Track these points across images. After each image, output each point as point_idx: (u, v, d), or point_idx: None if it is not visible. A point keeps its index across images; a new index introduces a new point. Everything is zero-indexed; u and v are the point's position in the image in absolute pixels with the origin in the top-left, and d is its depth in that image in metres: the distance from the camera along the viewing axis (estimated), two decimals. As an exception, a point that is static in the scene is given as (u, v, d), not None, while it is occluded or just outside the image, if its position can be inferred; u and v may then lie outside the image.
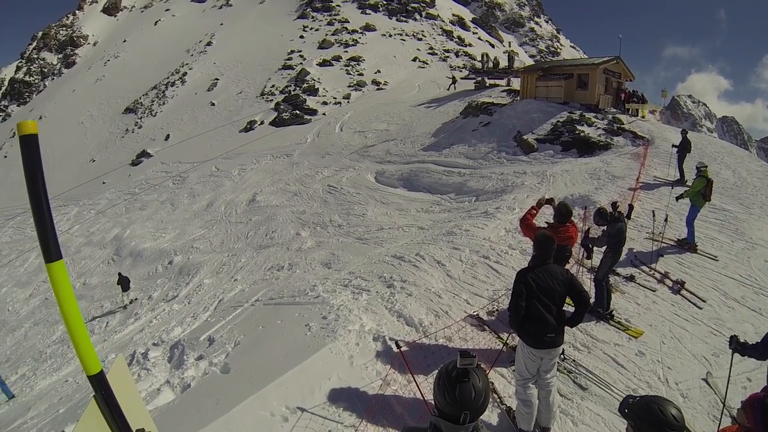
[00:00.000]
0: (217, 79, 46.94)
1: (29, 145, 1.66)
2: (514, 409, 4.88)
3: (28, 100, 73.63)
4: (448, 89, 30.50)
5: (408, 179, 18.60)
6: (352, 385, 5.65)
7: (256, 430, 5.08)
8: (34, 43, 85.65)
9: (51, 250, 1.62)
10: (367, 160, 21.34)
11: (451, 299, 7.76)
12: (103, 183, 36.27)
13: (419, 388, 4.93)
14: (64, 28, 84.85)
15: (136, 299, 17.33)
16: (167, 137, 39.47)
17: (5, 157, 56.19)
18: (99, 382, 1.74)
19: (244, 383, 6.00)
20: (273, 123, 34.23)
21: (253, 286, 11.99)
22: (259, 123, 35.19)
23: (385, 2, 62.11)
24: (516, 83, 28.03)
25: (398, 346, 5.24)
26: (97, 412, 1.82)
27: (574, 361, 5.88)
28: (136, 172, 35.72)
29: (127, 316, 16.03)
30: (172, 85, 49.98)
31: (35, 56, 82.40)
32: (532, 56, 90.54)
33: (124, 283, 17.50)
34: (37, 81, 77.86)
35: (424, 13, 62.77)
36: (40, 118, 59.41)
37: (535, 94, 23.07)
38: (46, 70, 79.74)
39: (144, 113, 47.29)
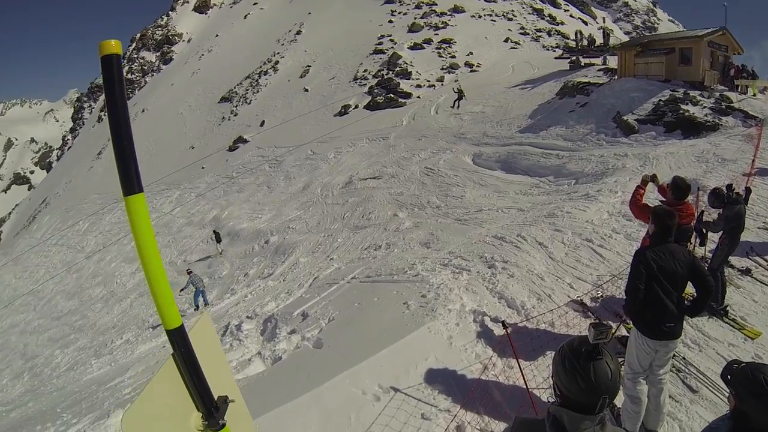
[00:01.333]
0: (309, 66, 47.66)
1: (110, 68, 1.44)
2: (618, 406, 4.37)
3: (131, 95, 78.83)
4: (453, 106, 27.98)
5: (506, 161, 18.03)
6: (449, 367, 5.37)
7: (346, 407, 5.00)
8: (133, 44, 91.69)
9: (132, 182, 1.45)
10: (464, 143, 20.86)
11: (554, 282, 7.29)
12: (202, 168, 38.01)
13: (523, 375, 4.57)
14: (159, 29, 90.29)
15: (224, 251, 21.78)
16: (262, 123, 40.61)
17: None
18: (178, 338, 1.58)
19: (337, 359, 5.96)
20: (367, 107, 34.26)
21: (350, 264, 11.99)
22: (353, 107, 35.36)
23: (473, -17, 60.58)
24: (612, 61, 26.26)
25: (505, 327, 4.89)
26: (174, 371, 1.66)
27: (683, 358, 5.21)
28: (234, 157, 37.21)
29: (224, 291, 16.72)
30: (264, 74, 51.32)
31: (135, 56, 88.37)
32: (627, 33, 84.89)
33: (217, 236, 22.30)
34: (138, 78, 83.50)
35: (513, -8, 60.56)
36: (143, 111, 64.02)
37: (634, 72, 21.44)
38: (146, 67, 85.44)
39: (239, 101, 48.98)
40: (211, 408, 1.70)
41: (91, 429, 6.70)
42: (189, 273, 16.62)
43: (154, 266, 1.52)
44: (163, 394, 1.63)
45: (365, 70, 41.57)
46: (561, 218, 9.86)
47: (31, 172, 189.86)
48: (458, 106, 27.15)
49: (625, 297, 4.08)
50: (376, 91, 36.05)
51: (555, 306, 6.39)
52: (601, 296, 6.59)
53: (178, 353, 1.62)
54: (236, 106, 48.36)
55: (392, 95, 34.12)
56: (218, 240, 22.68)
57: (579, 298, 6.54)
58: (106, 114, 1.49)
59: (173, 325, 1.56)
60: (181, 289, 16.28)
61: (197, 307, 15.82)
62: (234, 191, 29.84)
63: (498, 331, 6.00)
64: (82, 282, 30.13)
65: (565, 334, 5.72)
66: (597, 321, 3.57)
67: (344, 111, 35.22)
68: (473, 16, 51.61)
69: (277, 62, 52.35)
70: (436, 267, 8.49)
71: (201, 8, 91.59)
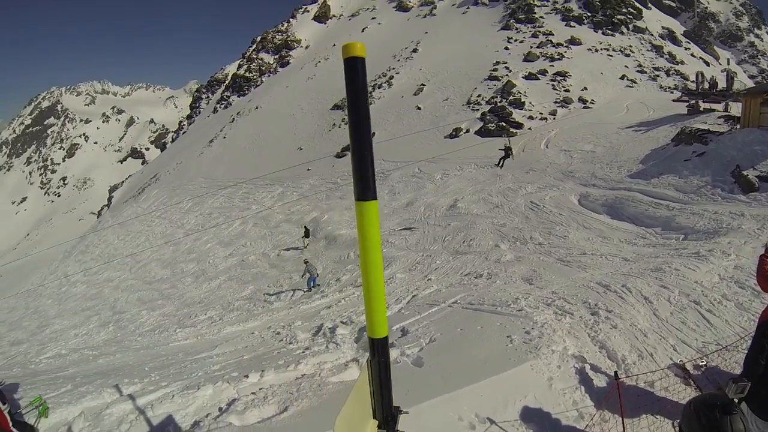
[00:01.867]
0: (423, 85, 48.10)
1: (354, 70, 1.51)
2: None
3: (247, 92, 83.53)
4: (498, 164, 26.35)
5: (612, 206, 17.35)
6: (545, 409, 5.43)
7: (442, 430, 5.12)
8: (254, 46, 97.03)
9: (368, 188, 1.58)
10: (571, 181, 20.42)
11: (657, 341, 7.03)
12: (308, 170, 39.41)
13: (624, 428, 4.55)
14: (279, 33, 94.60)
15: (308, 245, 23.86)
16: (373, 134, 40.79)
17: (224, 137, 64.09)
18: (381, 347, 1.73)
19: (437, 381, 6.06)
20: (478, 132, 34.27)
21: (450, 288, 11.98)
22: (464, 131, 35.40)
23: (589, 14, 58.88)
24: (735, 108, 24.38)
25: (617, 378, 4.87)
26: (365, 378, 1.85)
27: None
28: (340, 164, 38.19)
29: (314, 292, 17.14)
30: (379, 87, 52.28)
31: (254, 56, 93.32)
32: (752, 77, 78.53)
33: (306, 232, 24.39)
34: (255, 77, 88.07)
35: (631, 26, 58.12)
36: (257, 108, 67.23)
37: (759, 122, 19.37)
38: (263, 68, 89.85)
39: None
40: (389, 417, 1.89)
41: (180, 396, 6.86)
42: (306, 263, 18.34)
43: (375, 274, 1.61)
44: (358, 399, 1.82)
45: (479, 95, 41.44)
46: (668, 275, 9.38)
47: (146, 149, 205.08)
48: (502, 165, 25.85)
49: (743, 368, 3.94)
50: (488, 117, 35.93)
51: (656, 367, 6.25)
52: (705, 365, 6.31)
53: (375, 362, 1.77)
54: (348, 115, 49.31)
55: (504, 123, 33.91)
56: (306, 235, 24.45)
57: (682, 363, 6.32)
58: (347, 117, 1.59)
59: (380, 334, 1.70)
60: (302, 275, 18.44)
61: (309, 289, 17.86)
62: (336, 197, 30.64)
63: (597, 381, 5.98)
64: (177, 255, 32.14)
65: (663, 397, 5.62)
66: (736, 375, 3.46)
67: (455, 134, 35.31)
68: (590, 50, 50.16)
69: (392, 77, 53.24)
70: (539, 305, 8.48)
71: (321, 18, 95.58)
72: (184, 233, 37.20)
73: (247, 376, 7.34)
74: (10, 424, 5.08)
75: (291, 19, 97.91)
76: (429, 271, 14.60)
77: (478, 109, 38.70)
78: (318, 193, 32.89)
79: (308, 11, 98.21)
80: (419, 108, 43.70)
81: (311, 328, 10.83)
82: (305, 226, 25.03)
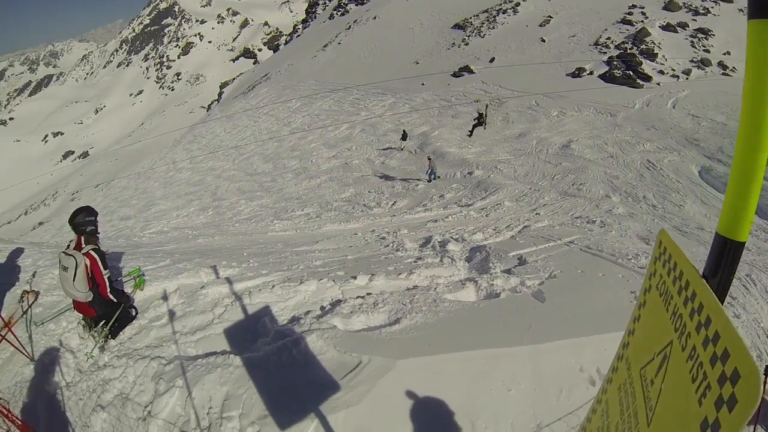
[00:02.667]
0: (551, 17, 45.30)
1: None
2: None
3: (365, 1, 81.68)
4: (469, 133, 24.83)
5: (735, 188, 16.24)
6: None
7: (559, 378, 4.86)
8: None
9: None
10: (695, 150, 19.17)
11: None
12: (422, 84, 38.96)
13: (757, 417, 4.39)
14: None
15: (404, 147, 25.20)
16: (492, 59, 39.92)
17: (339, 43, 64.26)
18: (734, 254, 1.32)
19: (560, 322, 5.74)
20: (602, 77, 32.49)
21: (563, 227, 11.64)
22: (587, 72, 33.64)
23: (745, -34, 52.51)
24: None
25: (766, 373, 4.39)
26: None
27: None
28: (456, 84, 37.31)
29: (415, 203, 17.21)
30: (503, 12, 49.64)
31: None
32: None
33: (404, 135, 25.50)
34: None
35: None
36: (375, 17, 65.93)
37: None
38: None
39: (472, 32, 48.22)
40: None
41: (280, 287, 6.60)
42: (429, 159, 20.01)
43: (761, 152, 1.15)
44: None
45: (608, 38, 38.64)
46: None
47: (259, 50, 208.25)
48: (472, 134, 24.61)
49: None
50: (615, 63, 33.70)
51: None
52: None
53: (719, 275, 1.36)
54: (468, 36, 47.65)
55: (631, 73, 31.83)
56: (404, 138, 25.60)
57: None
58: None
59: (741, 237, 1.26)
60: (427, 172, 19.99)
61: (429, 180, 19.75)
62: (449, 115, 30.33)
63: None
64: (281, 152, 32.97)
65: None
66: None
67: (578, 73, 33.57)
68: (741, 10, 45.30)
69: (518, 3, 50.10)
70: (659, 267, 8.12)
71: None
72: (289, 131, 38.12)
73: (354, 278, 6.90)
74: (108, 290, 5.35)
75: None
76: (537, 205, 14.41)
77: (606, 52, 36.25)
78: (430, 108, 32.58)
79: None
80: (543, 40, 41.45)
81: (419, 238, 10.34)
82: (403, 130, 25.78)
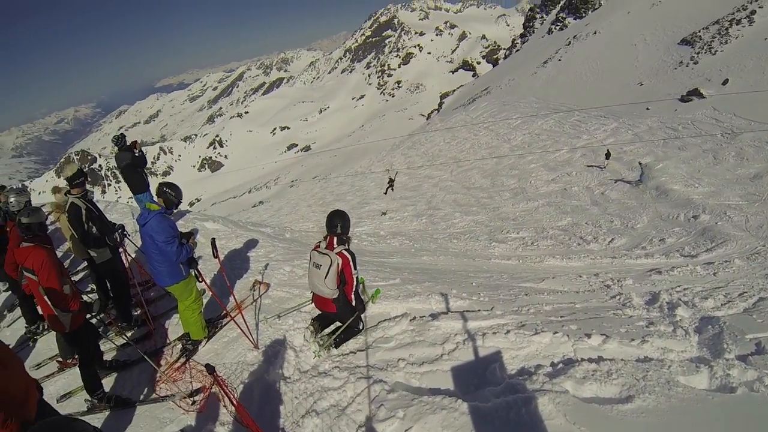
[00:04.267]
0: (797, 27, 38.42)
1: None
2: None
3: (584, 15, 78.26)
4: (385, 192, 23.18)
5: None
6: None
7: None
8: None
9: None
10: None
11: None
12: (647, 109, 36.37)
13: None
14: None
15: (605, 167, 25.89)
16: (725, 82, 35.71)
17: (559, 60, 63.47)
18: None
19: None
20: None
21: None
22: None
23: None
24: None
25: None
26: None
27: None
28: (684, 110, 33.90)
29: (635, 243, 15.70)
30: (737, 23, 43.43)
31: None
32: None
33: (608, 154, 26.50)
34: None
35: None
36: (595, 33, 63.06)
37: None
38: None
39: (702, 48, 43.52)
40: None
41: (515, 333, 6.05)
42: (640, 164, 20.54)
43: None
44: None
45: None
46: None
47: (477, 63, 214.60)
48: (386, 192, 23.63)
49: None
50: None
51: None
52: None
53: None
54: (698, 53, 43.05)
55: None
56: (607, 157, 26.23)
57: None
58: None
59: None
60: (637, 181, 21.00)
61: (636, 184, 21.46)
62: (675, 146, 27.50)
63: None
64: (499, 168, 32.51)
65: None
66: None
67: None
68: None
69: (753, 12, 43.30)
70: None
71: None
72: (509, 148, 37.76)
73: (588, 336, 6.17)
74: (354, 290, 5.73)
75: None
76: (774, 268, 11.70)
77: None
78: (655, 137, 30.07)
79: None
80: (787, 56, 35.33)
81: (645, 293, 8.88)
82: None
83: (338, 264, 5.43)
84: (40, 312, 6.10)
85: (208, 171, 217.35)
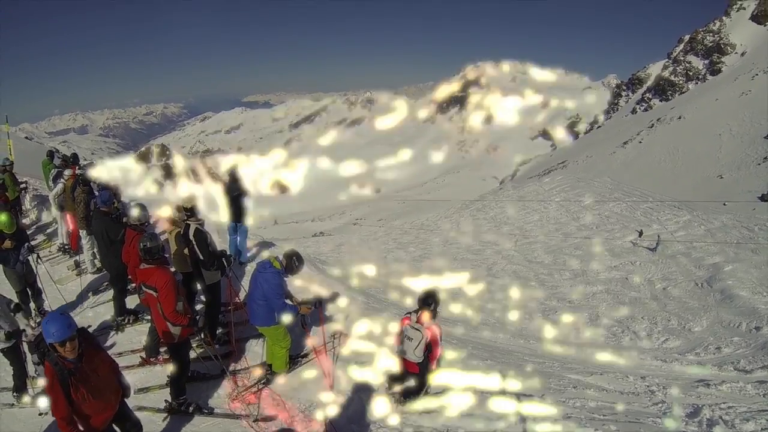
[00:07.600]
0: None
1: None
2: None
3: (670, 98, 76.87)
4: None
5: None
6: None
7: None
8: (681, 46, 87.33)
9: None
10: None
11: None
12: (724, 204, 34.32)
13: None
14: (710, 34, 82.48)
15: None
16: None
17: (640, 142, 61.80)
18: None
19: None
20: None
21: None
22: None
23: None
24: None
25: None
26: None
27: None
28: (763, 210, 31.69)
29: (689, 348, 14.78)
30: None
31: (681, 58, 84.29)
32: None
33: (641, 233, 26.49)
34: (681, 82, 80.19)
35: None
36: (680, 117, 61.16)
37: None
38: (690, 73, 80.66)
39: None
40: None
41: (561, 426, 6.27)
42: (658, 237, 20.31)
43: None
44: None
45: None
46: None
47: (558, 133, 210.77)
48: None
49: None
50: None
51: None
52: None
53: None
54: None
55: None
56: (640, 235, 26.03)
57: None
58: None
59: None
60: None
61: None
62: (748, 249, 25.11)
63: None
64: (564, 246, 30.80)
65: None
66: None
67: None
68: None
69: None
70: None
71: (760, 18, 78.85)
72: (577, 227, 35.87)
73: None
74: (437, 360, 6.17)
75: (724, 17, 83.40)
76: None
77: None
78: (729, 236, 27.45)
79: (744, 8, 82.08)
80: None
81: (688, 404, 8.65)
82: (641, 229, 26.86)
83: (428, 338, 5.80)
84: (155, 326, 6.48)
85: (278, 191, 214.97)
